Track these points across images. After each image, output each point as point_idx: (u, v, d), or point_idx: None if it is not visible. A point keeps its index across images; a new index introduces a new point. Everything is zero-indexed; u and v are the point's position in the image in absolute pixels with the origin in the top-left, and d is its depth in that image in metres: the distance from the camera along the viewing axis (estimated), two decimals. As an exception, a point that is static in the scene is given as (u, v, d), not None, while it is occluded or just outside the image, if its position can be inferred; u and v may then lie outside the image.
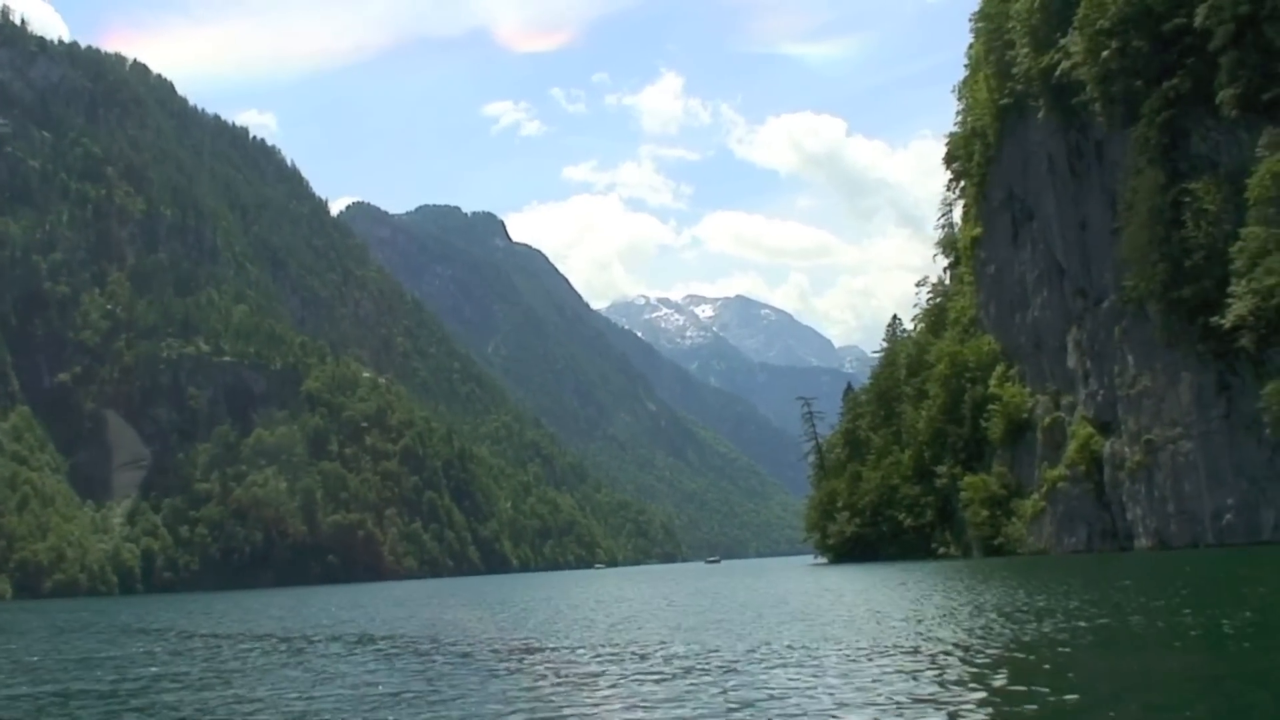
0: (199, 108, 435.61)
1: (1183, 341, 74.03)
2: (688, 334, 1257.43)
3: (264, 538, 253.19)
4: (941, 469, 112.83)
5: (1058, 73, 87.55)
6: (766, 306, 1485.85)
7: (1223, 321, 66.28)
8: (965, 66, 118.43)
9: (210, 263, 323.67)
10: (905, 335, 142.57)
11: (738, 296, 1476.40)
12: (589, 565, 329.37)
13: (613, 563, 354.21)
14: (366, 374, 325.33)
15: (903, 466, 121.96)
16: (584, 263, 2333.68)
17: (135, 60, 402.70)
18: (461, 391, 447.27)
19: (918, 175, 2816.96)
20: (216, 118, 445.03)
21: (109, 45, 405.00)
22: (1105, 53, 78.98)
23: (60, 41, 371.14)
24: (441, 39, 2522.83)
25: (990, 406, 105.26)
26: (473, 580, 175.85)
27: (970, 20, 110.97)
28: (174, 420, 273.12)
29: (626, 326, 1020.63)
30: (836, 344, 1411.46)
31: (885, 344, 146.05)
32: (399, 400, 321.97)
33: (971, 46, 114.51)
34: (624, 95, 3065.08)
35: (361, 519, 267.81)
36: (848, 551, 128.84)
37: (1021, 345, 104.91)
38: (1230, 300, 65.68)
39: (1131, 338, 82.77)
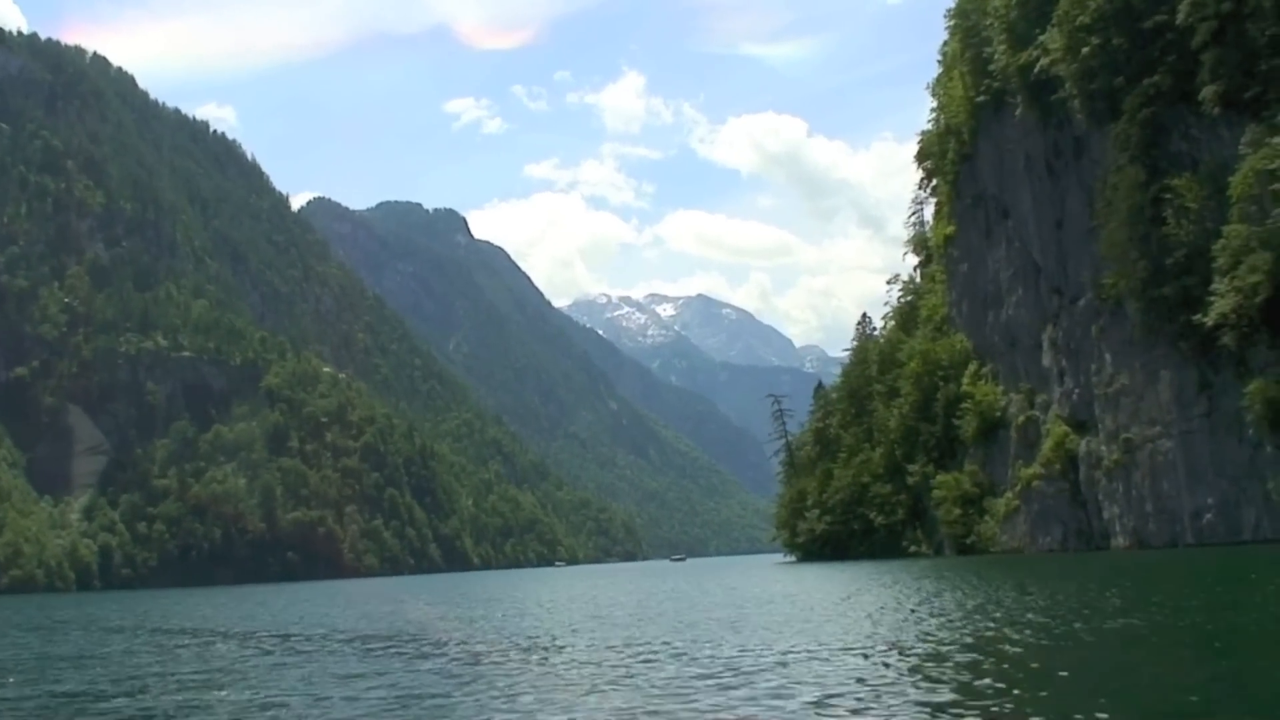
0: (159, 101, 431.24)
1: (1162, 340, 73.91)
2: (649, 333, 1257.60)
3: (223, 535, 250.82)
4: (913, 467, 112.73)
5: (1036, 69, 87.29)
6: (728, 306, 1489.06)
7: (1205, 319, 66.12)
8: (939, 63, 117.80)
9: (170, 257, 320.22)
10: (875, 333, 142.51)
11: (699, 295, 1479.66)
12: (550, 563, 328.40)
13: (573, 561, 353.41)
14: (327, 370, 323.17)
15: (874, 465, 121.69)
16: (546, 260, 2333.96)
17: (95, 53, 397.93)
18: (423, 389, 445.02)
19: (879, 176, 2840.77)
20: (177, 111, 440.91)
21: (69, 38, 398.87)
22: (1085, 49, 78.80)
23: (19, 33, 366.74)
24: (402, 35, 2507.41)
25: (963, 405, 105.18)
26: (437, 578, 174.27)
27: (945, 16, 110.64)
28: (132, 416, 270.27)
29: (588, 325, 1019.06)
30: (797, 343, 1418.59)
31: (855, 342, 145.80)
32: (359, 397, 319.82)
33: (946, 43, 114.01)
34: (586, 93, 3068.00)
35: (322, 516, 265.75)
36: (817, 550, 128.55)
37: (995, 344, 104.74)
38: (1212, 298, 65.51)
39: (1109, 336, 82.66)
